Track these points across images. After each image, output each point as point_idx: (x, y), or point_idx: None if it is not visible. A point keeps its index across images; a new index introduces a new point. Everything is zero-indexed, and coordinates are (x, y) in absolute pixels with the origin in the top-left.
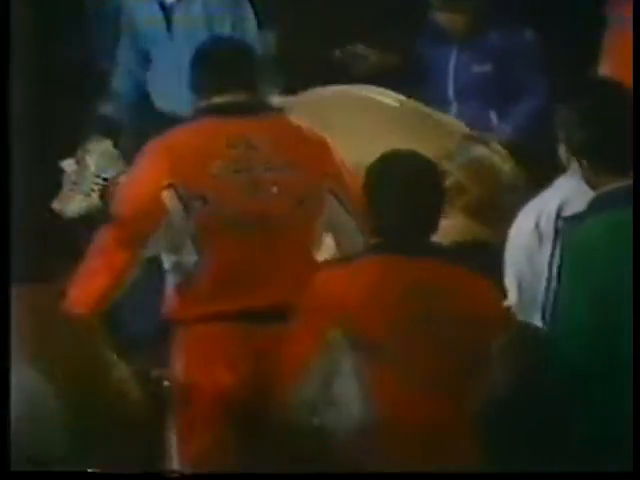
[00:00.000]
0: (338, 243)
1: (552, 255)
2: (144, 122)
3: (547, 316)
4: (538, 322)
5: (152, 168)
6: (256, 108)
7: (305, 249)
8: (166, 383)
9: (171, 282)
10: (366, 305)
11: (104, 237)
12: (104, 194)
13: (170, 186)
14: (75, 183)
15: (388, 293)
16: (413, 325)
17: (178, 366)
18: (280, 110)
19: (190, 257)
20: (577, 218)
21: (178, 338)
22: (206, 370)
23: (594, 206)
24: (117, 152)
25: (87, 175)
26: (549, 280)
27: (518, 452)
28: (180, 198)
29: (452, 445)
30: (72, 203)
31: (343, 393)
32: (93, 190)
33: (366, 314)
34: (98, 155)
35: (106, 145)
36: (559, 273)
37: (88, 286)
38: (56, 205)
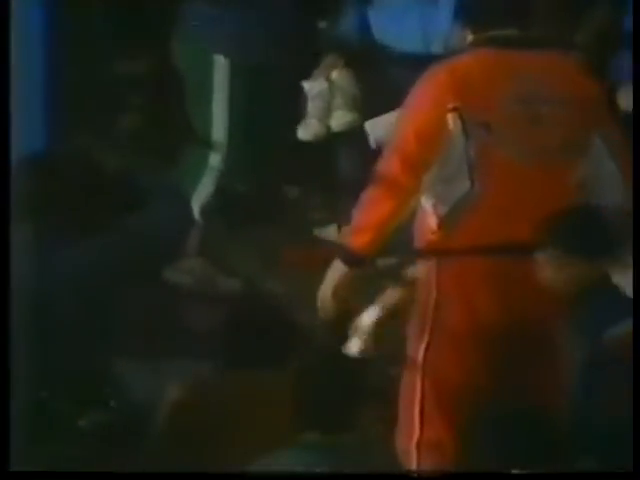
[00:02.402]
0: (595, 188)
1: None
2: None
3: None
4: None
5: (436, 91)
6: (530, 43)
7: (569, 187)
8: None
9: (432, 215)
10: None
11: (389, 162)
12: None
13: (455, 110)
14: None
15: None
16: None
17: (433, 298)
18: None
19: (461, 187)
20: None
21: (435, 271)
22: (466, 304)
23: None
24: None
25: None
26: None
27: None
28: (464, 123)
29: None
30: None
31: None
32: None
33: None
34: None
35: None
36: None
37: (373, 213)
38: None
